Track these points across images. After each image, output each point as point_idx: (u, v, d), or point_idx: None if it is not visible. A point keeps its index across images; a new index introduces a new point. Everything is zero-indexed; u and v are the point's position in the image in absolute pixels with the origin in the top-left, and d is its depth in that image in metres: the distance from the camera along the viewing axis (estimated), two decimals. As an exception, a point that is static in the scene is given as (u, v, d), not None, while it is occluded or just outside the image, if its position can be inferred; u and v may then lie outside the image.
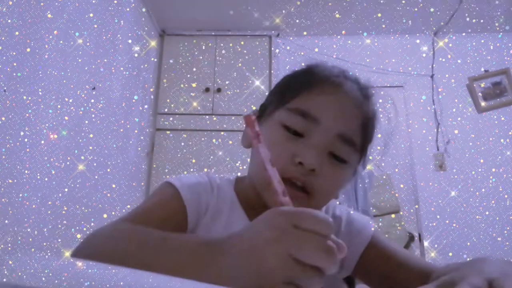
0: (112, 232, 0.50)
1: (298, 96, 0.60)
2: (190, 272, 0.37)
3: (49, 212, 1.49)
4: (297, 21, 2.91)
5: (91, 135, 1.84)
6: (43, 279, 0.22)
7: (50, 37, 1.51)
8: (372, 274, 0.66)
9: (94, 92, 1.86)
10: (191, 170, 2.70)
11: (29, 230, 1.36)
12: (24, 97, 1.36)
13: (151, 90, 2.81)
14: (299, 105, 0.59)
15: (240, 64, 2.91)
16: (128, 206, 2.27)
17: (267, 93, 0.71)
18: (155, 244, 0.44)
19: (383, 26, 2.96)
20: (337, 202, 0.75)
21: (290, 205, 0.40)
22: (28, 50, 1.37)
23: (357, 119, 0.60)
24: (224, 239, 0.40)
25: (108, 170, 2.03)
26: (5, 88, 1.26)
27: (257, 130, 0.39)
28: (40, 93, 1.45)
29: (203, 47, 2.97)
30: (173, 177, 0.64)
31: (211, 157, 2.72)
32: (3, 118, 1.25)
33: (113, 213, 2.03)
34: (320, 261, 0.34)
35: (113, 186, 2.09)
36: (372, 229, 0.68)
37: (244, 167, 2.60)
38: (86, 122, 1.80)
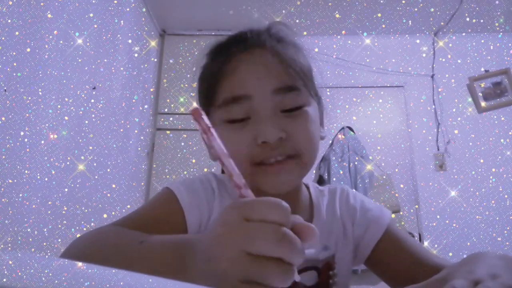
0: (95, 236, 0.49)
1: (217, 90, 0.58)
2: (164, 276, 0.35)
3: (49, 212, 1.49)
4: (297, 21, 2.91)
5: (91, 135, 1.83)
6: (43, 279, 0.22)
7: (50, 37, 1.51)
8: (384, 265, 0.65)
9: (94, 92, 1.86)
10: (191, 170, 2.70)
11: (29, 230, 1.36)
12: (24, 97, 1.36)
13: (151, 90, 2.81)
14: (224, 95, 0.57)
15: (240, 64, 2.90)
16: (128, 206, 2.27)
17: None
18: (132, 248, 0.43)
19: (383, 26, 2.96)
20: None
21: (251, 197, 0.36)
22: (28, 50, 1.37)
23: (280, 63, 0.57)
24: (192, 242, 0.38)
25: (108, 170, 2.03)
26: (5, 88, 1.26)
27: (207, 123, 0.35)
28: (40, 93, 1.45)
29: (203, 47, 2.97)
30: (175, 182, 0.62)
31: (211, 157, 2.72)
32: (3, 118, 1.25)
33: (113, 213, 2.03)
34: (275, 251, 0.31)
35: (113, 186, 2.09)
36: (388, 218, 0.66)
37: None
38: (86, 122, 1.80)
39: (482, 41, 3.00)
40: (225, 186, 0.65)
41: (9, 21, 1.28)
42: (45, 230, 1.45)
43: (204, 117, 0.35)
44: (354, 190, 0.73)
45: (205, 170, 2.69)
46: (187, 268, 0.36)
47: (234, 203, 0.35)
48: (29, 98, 1.39)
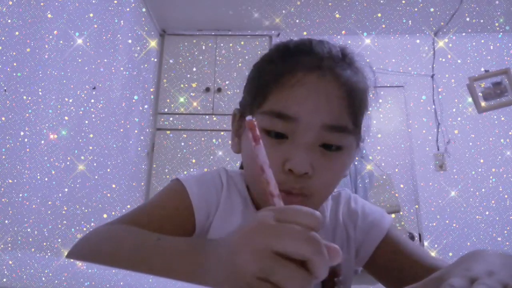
0: (106, 233, 0.49)
1: (269, 94, 0.55)
2: (178, 275, 0.35)
3: (49, 212, 1.49)
4: (297, 21, 2.91)
5: (91, 135, 1.83)
6: (43, 279, 0.22)
7: (50, 37, 1.51)
8: (384, 269, 0.65)
9: (94, 92, 1.86)
10: (191, 170, 2.70)
11: (29, 230, 1.36)
12: (24, 97, 1.36)
13: (151, 90, 2.81)
14: (273, 107, 0.54)
15: (240, 64, 2.91)
16: (128, 206, 2.27)
17: None
18: (149, 244, 0.43)
19: (383, 26, 2.96)
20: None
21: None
22: (28, 50, 1.37)
23: (340, 100, 0.54)
24: (213, 240, 0.38)
25: (108, 170, 2.03)
26: (5, 88, 1.26)
27: (258, 134, 0.38)
28: (40, 93, 1.45)
29: (203, 47, 2.97)
30: (184, 175, 0.61)
31: (211, 157, 2.72)
32: (3, 118, 1.25)
33: (113, 213, 2.03)
34: (299, 249, 0.31)
35: (113, 186, 2.09)
36: (388, 223, 0.66)
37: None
38: (86, 122, 1.80)
39: (482, 41, 3.00)
40: (234, 181, 0.65)
41: (9, 21, 1.28)
42: (45, 230, 1.45)
43: (257, 128, 0.39)
44: (355, 194, 0.73)
45: (205, 170, 2.68)
46: (202, 264, 0.36)
47: (269, 208, 0.35)
48: (29, 98, 1.38)
